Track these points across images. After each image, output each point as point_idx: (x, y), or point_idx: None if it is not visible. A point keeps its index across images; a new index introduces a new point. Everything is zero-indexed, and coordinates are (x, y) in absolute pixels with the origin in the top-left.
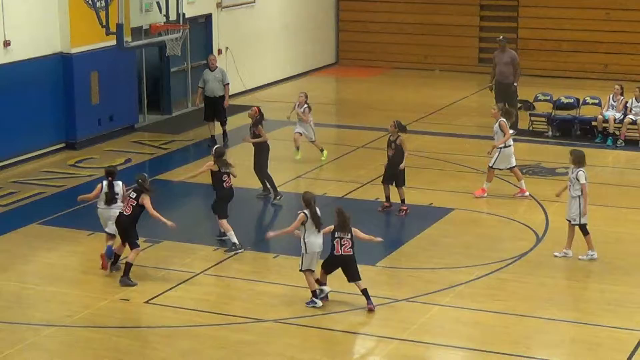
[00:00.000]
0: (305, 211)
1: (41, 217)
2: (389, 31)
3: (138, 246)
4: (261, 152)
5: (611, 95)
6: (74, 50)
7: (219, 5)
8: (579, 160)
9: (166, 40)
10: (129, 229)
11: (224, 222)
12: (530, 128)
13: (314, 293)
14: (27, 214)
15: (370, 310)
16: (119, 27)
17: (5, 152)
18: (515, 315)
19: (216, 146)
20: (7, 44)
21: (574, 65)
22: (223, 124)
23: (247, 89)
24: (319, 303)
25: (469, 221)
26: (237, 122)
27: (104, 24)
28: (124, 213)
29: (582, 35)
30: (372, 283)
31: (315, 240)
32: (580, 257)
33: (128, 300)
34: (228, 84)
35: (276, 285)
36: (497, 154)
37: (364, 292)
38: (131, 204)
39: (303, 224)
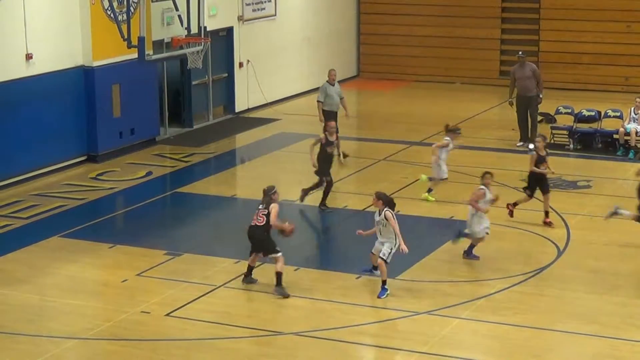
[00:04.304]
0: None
1: (62, 230)
2: (410, 44)
3: (278, 252)
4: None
5: (632, 108)
6: (96, 63)
7: (240, 18)
8: None
9: (187, 53)
10: (264, 239)
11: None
12: (552, 141)
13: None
14: (48, 227)
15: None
16: (141, 40)
17: (27, 165)
18: (536, 329)
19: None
20: (29, 57)
21: (595, 78)
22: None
23: (268, 102)
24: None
25: (490, 234)
26: (258, 135)
27: (126, 37)
28: (257, 224)
29: (603, 48)
30: (393, 296)
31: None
32: None
33: (149, 313)
34: (344, 97)
35: (297, 298)
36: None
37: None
38: (263, 214)
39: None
